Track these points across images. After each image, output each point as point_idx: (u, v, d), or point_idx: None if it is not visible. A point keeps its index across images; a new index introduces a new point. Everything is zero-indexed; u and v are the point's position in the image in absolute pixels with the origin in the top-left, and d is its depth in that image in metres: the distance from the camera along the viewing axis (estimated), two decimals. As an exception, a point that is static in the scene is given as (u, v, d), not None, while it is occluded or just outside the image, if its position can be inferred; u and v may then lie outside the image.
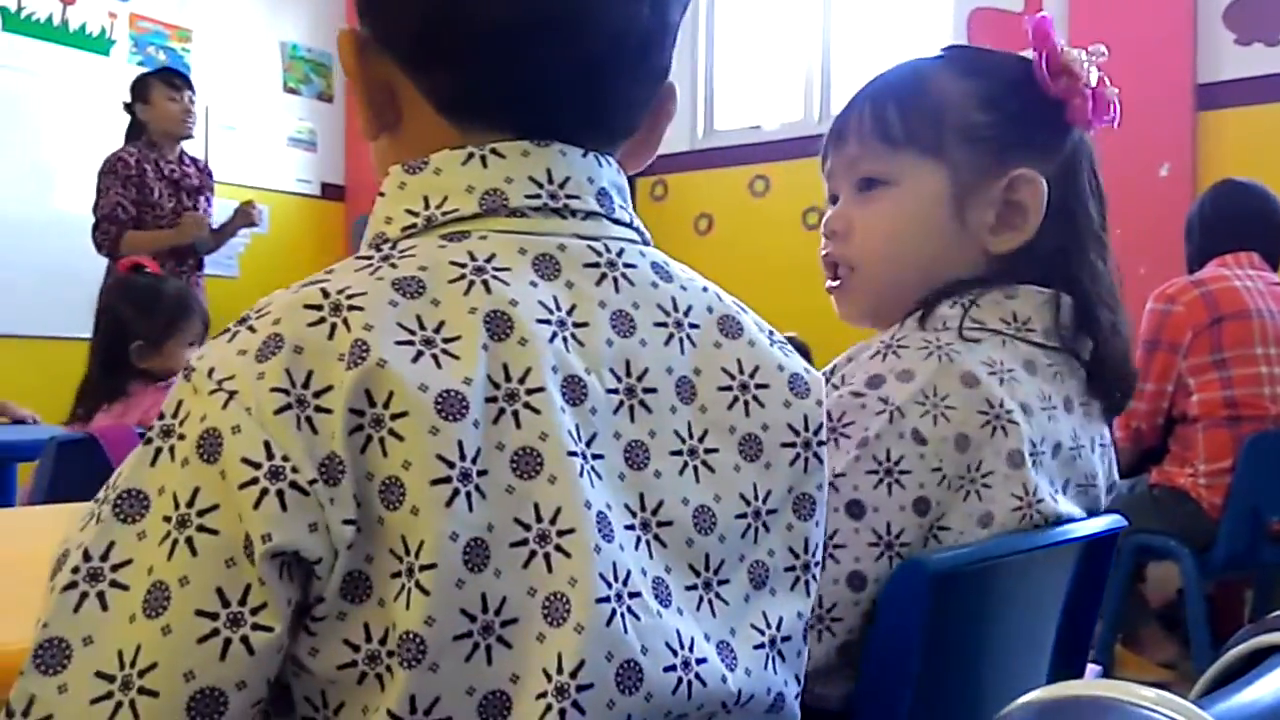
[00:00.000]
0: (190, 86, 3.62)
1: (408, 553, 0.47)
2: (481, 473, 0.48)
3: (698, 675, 0.50)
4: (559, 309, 0.52)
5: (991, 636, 0.82)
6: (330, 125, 5.70)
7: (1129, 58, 4.36)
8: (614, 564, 0.49)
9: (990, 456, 0.77)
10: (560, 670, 0.47)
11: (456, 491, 0.47)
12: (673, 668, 0.50)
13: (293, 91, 5.52)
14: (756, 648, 0.53)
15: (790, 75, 4.70)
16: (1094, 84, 0.90)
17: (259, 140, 5.33)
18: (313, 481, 0.46)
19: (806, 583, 0.57)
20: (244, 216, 3.69)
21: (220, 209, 3.81)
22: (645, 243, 0.58)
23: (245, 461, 0.46)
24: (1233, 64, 4.28)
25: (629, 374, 0.52)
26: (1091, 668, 0.99)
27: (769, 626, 0.54)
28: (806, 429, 0.57)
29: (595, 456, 0.50)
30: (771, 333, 0.60)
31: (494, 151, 0.54)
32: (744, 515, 0.54)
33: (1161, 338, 2.52)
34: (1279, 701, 0.45)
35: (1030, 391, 0.81)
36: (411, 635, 0.46)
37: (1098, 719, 0.36)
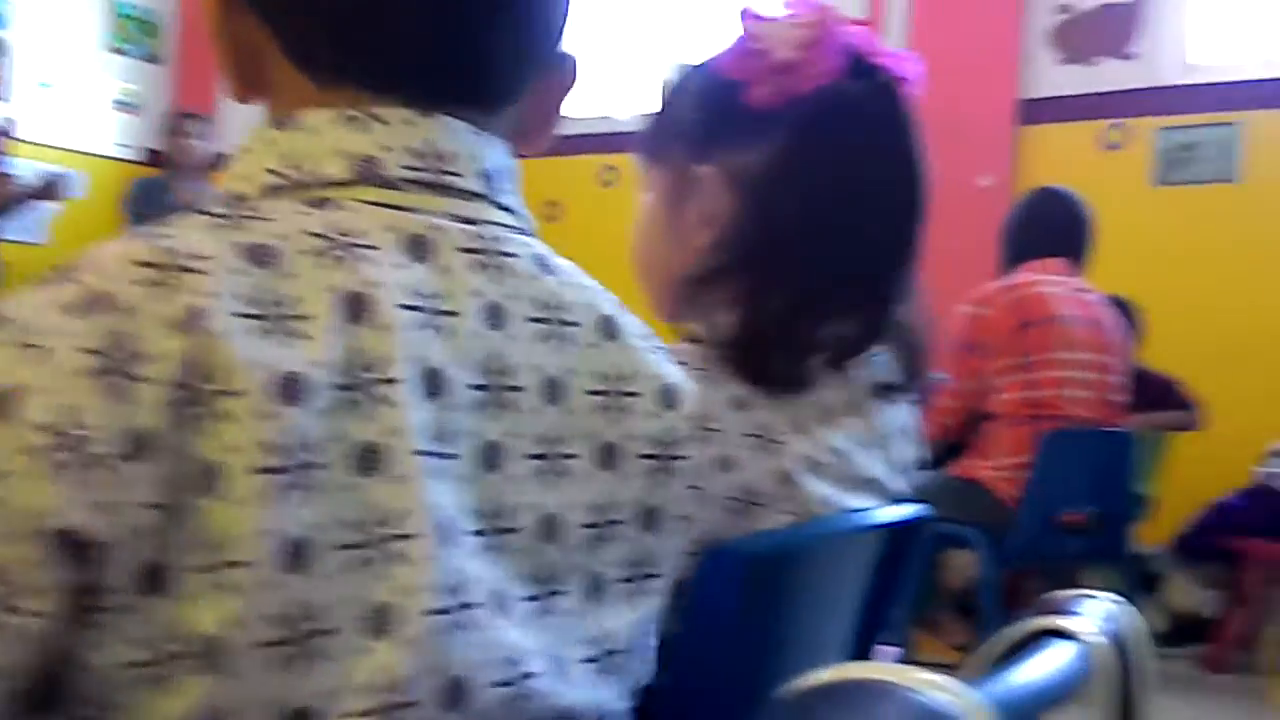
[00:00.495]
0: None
1: (219, 547, 0.42)
2: (317, 466, 0.44)
3: (528, 690, 0.48)
4: (426, 295, 0.48)
5: (801, 624, 0.83)
6: (157, 89, 5.37)
7: (957, 71, 4.58)
8: (453, 572, 0.46)
9: (758, 477, 0.77)
10: (381, 686, 0.44)
11: (285, 484, 0.43)
12: (504, 683, 0.47)
13: (118, 52, 5.20)
14: (586, 661, 0.52)
15: (643, 66, 4.71)
16: (794, 58, 0.82)
17: (78, 101, 5.02)
18: (115, 456, 0.41)
19: (645, 596, 0.55)
20: (49, 190, 3.50)
21: (30, 170, 3.58)
22: (528, 232, 0.55)
23: (40, 427, 0.41)
24: (1052, 82, 4.55)
25: (495, 370, 0.49)
26: (889, 650, 1.02)
27: (601, 640, 0.52)
28: (669, 442, 0.55)
29: (447, 456, 0.47)
30: (650, 337, 0.57)
31: (375, 116, 0.50)
32: (590, 525, 0.52)
33: (973, 339, 2.65)
34: (1045, 681, 0.47)
35: (796, 404, 0.80)
36: (211, 639, 0.42)
37: (870, 701, 0.37)
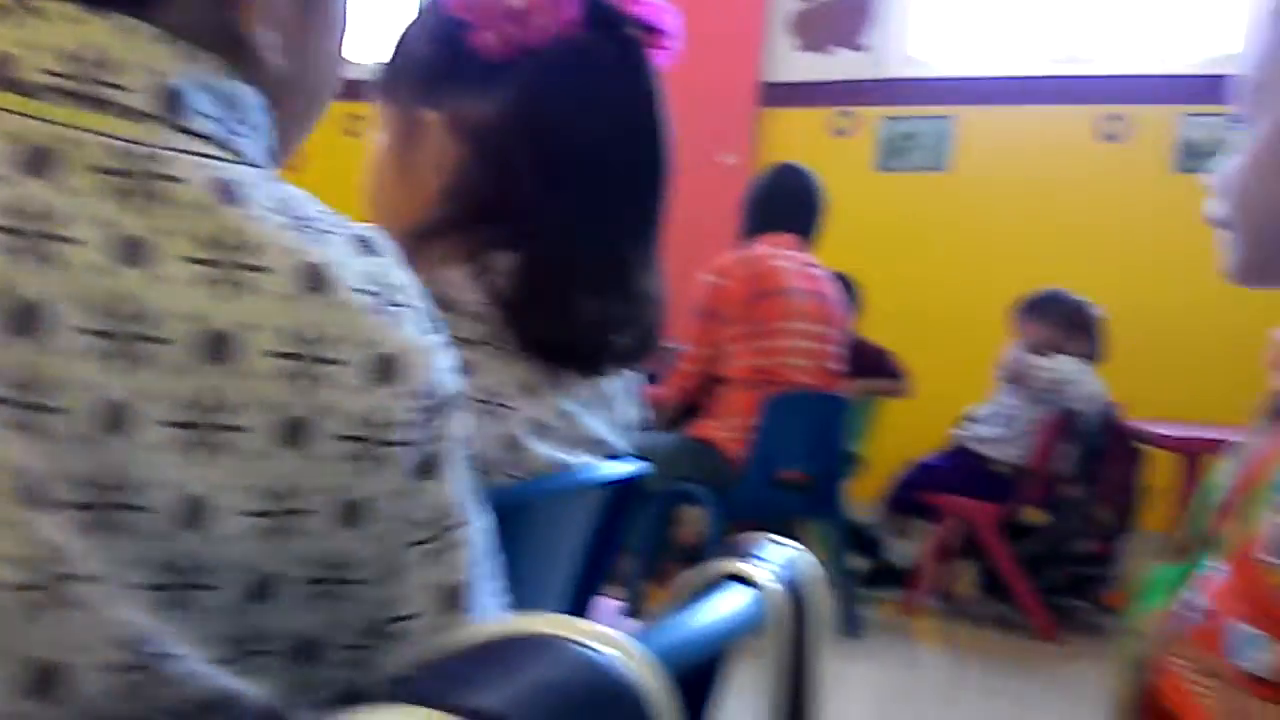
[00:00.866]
0: None
1: None
2: None
3: (155, 675, 0.41)
4: (30, 215, 0.40)
5: (522, 581, 0.84)
6: None
7: (704, 51, 4.73)
8: (42, 544, 0.39)
9: (485, 444, 0.75)
10: None
11: None
12: (121, 667, 0.41)
13: None
14: (229, 660, 0.44)
15: (388, 15, 4.54)
16: (523, 6, 0.78)
17: None
18: None
19: (338, 600, 0.46)
20: None
21: None
22: (236, 163, 0.46)
23: None
24: (792, 67, 4.79)
25: (126, 316, 0.41)
26: (612, 604, 1.04)
27: (257, 639, 0.45)
28: (381, 424, 0.45)
29: (41, 409, 0.39)
30: (384, 295, 0.46)
31: (32, 9, 0.43)
32: (260, 514, 0.43)
33: (711, 307, 2.77)
34: (709, 626, 0.48)
35: (526, 367, 0.78)
36: None
37: (532, 655, 0.36)
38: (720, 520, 2.65)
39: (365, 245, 0.47)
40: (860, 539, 3.52)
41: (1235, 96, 0.69)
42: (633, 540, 2.86)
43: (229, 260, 0.43)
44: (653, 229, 0.88)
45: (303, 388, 0.44)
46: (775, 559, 0.55)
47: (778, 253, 2.85)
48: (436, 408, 0.47)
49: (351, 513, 0.45)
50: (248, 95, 0.48)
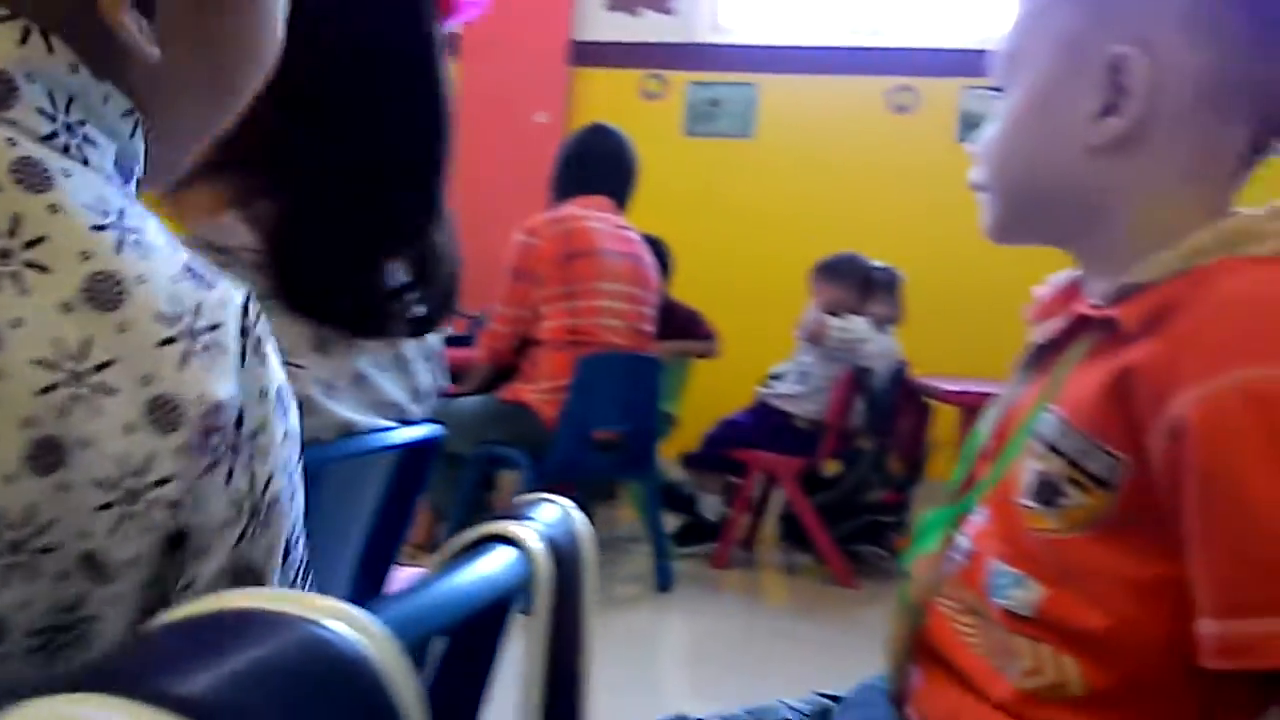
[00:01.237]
0: None
1: None
2: None
3: None
4: None
5: (315, 549, 0.81)
6: None
7: (518, 12, 4.68)
8: None
9: None
10: None
11: None
12: None
13: None
14: None
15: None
16: None
17: None
18: None
19: (32, 571, 0.37)
20: None
21: None
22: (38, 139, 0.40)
23: None
24: (602, 27, 4.78)
25: None
26: (411, 570, 1.01)
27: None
28: (140, 471, 0.38)
29: None
30: (186, 327, 0.39)
31: None
32: None
33: (523, 267, 2.75)
34: (464, 589, 0.45)
35: (314, 327, 0.76)
36: None
37: (256, 632, 0.32)
38: (535, 483, 2.65)
39: (193, 274, 0.41)
40: (673, 496, 3.61)
41: (993, 68, 0.73)
42: (448, 506, 2.83)
43: (13, 249, 0.37)
44: (437, 184, 0.84)
45: (60, 408, 0.36)
46: (544, 518, 0.53)
47: (590, 214, 2.86)
48: (212, 466, 0.39)
49: (92, 564, 0.38)
50: (99, 94, 0.43)
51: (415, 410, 0.88)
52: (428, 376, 0.91)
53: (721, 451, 3.32)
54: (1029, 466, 0.66)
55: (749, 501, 3.33)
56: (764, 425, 3.35)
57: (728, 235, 4.68)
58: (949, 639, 0.71)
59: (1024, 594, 0.65)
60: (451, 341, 3.92)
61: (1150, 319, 0.61)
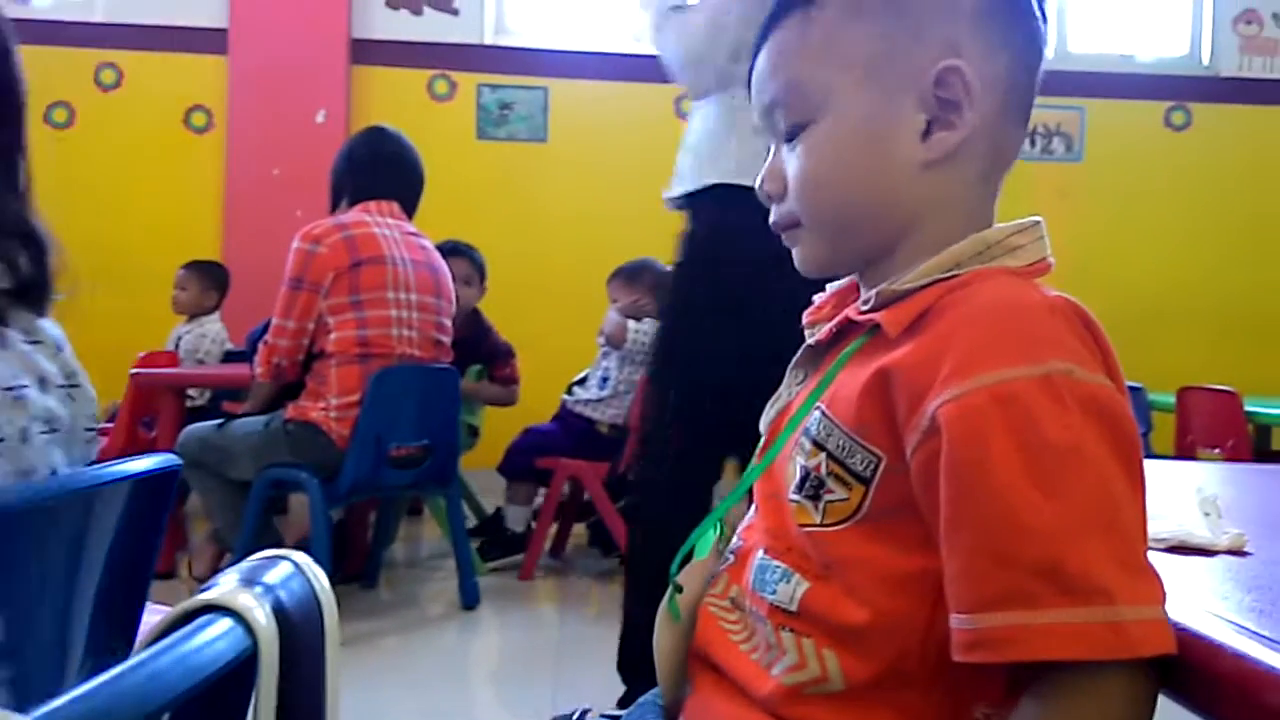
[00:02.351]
0: None
1: None
2: None
3: None
4: None
5: (42, 586, 0.70)
6: None
7: (293, 8, 4.45)
8: None
9: None
10: None
11: None
12: None
13: None
14: None
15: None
16: None
17: None
18: None
19: None
20: None
21: None
22: None
23: None
24: (383, 25, 4.61)
25: None
26: (157, 608, 0.91)
27: None
28: None
29: None
30: None
31: None
32: None
33: (306, 277, 2.58)
34: (146, 683, 0.38)
35: None
36: None
37: None
38: (324, 506, 2.49)
39: None
40: (478, 509, 3.51)
41: (778, 105, 0.71)
42: (232, 537, 2.62)
43: None
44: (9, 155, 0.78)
45: None
46: (273, 579, 0.48)
47: (377, 219, 2.72)
48: None
49: None
50: None
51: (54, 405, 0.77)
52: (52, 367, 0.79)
53: (528, 461, 3.25)
54: (796, 462, 0.66)
55: (556, 510, 3.26)
56: (568, 432, 3.30)
57: (526, 240, 4.61)
58: (717, 639, 0.71)
59: (789, 588, 0.66)
60: (229, 357, 3.69)
61: (911, 323, 0.62)
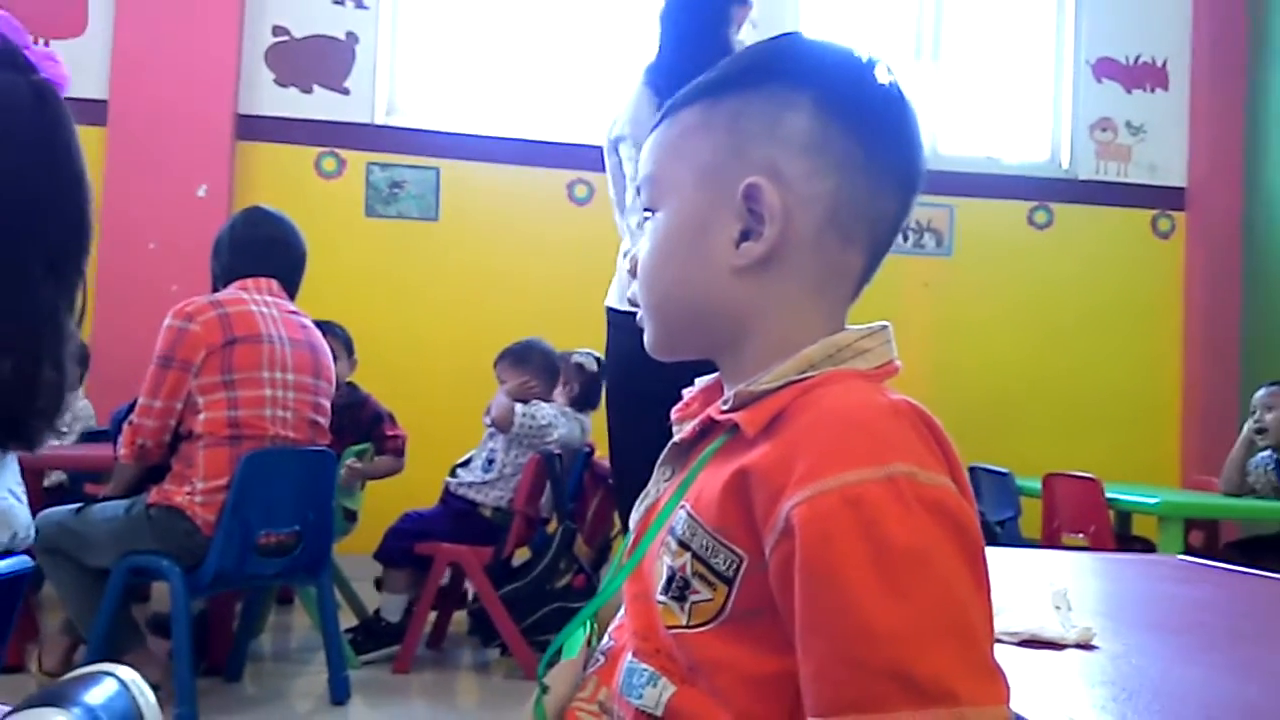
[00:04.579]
0: None
1: None
2: None
3: None
4: None
5: None
6: None
7: (177, 82, 4.38)
8: None
9: None
10: None
11: None
12: None
13: None
14: None
15: None
16: None
17: None
18: None
19: None
20: None
21: None
22: None
23: None
24: (271, 102, 4.57)
25: None
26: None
27: None
28: None
29: None
30: None
31: None
32: None
33: (176, 355, 2.49)
34: None
35: None
36: None
37: None
38: (185, 596, 2.37)
39: None
40: (356, 604, 3.38)
41: (642, 189, 0.76)
42: (88, 628, 2.47)
43: None
44: (77, 274, 0.81)
45: None
46: (95, 700, 0.46)
47: (255, 297, 2.66)
48: None
49: None
50: None
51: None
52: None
53: (406, 547, 3.15)
54: (663, 562, 0.66)
55: (435, 597, 3.17)
56: (450, 516, 3.23)
57: (412, 320, 4.56)
58: None
59: (656, 692, 0.65)
60: (90, 437, 3.54)
61: (767, 424, 0.64)
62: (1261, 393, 3.63)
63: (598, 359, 3.49)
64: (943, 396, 4.67)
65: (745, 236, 0.69)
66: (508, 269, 4.65)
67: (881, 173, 0.70)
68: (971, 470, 4.00)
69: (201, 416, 2.49)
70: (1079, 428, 4.83)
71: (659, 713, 0.65)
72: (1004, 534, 3.45)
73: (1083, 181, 5.03)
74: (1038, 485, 3.63)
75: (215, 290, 2.72)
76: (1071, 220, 5.00)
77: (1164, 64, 5.07)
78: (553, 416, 3.29)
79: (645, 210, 0.75)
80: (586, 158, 4.69)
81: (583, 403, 3.53)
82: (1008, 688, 0.57)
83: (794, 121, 0.69)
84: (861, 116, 0.70)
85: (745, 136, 0.70)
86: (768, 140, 0.69)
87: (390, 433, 3.43)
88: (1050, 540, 3.49)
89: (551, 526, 3.25)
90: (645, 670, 0.67)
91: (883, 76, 0.72)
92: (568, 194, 4.72)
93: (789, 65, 0.71)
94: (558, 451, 3.22)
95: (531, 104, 4.81)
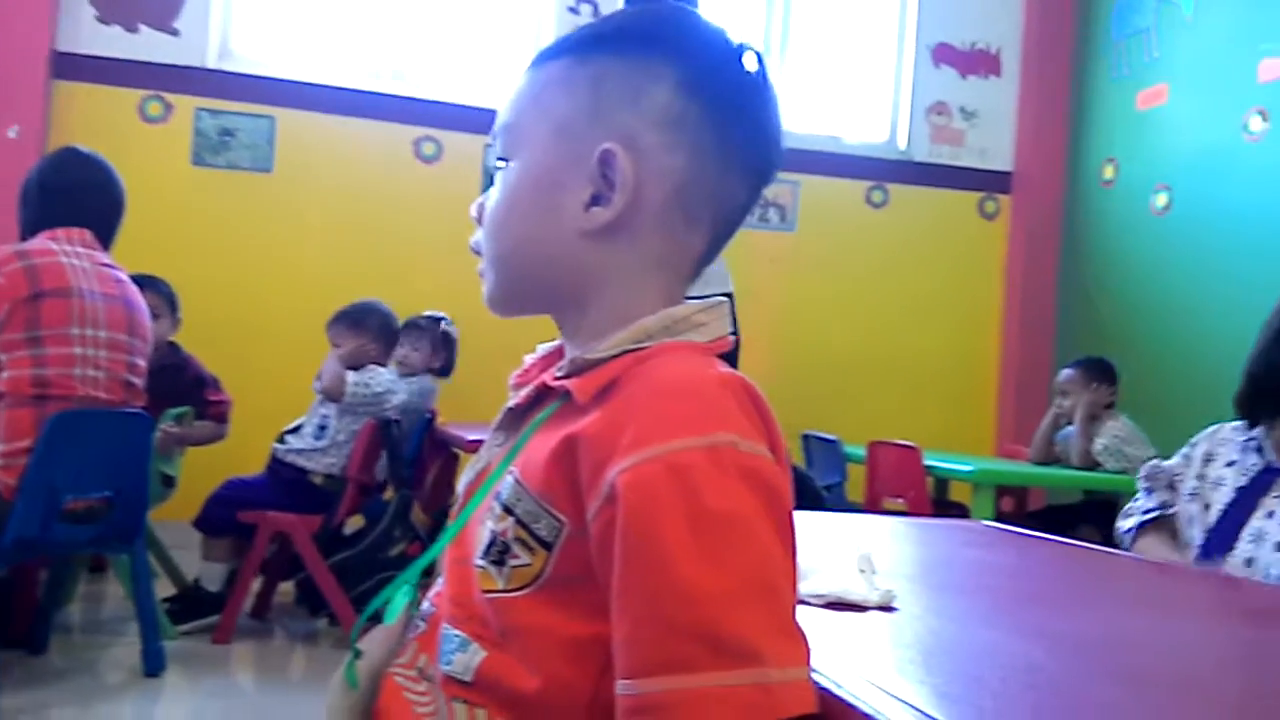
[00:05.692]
0: None
1: None
2: None
3: None
4: None
5: None
6: None
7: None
8: None
9: None
10: None
11: None
12: None
13: None
14: None
15: None
16: None
17: None
18: None
19: None
20: None
21: None
22: None
23: None
24: (91, 40, 4.26)
25: None
26: None
27: None
28: None
29: None
30: None
31: None
32: None
33: (-25, 308, 2.31)
34: None
35: None
36: None
37: None
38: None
39: None
40: (169, 567, 3.23)
41: (497, 137, 0.75)
42: None
43: None
44: None
45: None
46: None
47: (65, 248, 2.48)
48: None
49: None
50: None
51: None
52: None
53: (229, 514, 3.02)
54: (486, 527, 0.66)
55: (259, 567, 3.06)
56: (278, 483, 3.12)
57: (242, 277, 4.35)
58: (399, 712, 0.70)
59: (466, 658, 0.65)
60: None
61: (599, 392, 0.65)
62: (1061, 375, 3.84)
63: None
64: (784, 367, 4.82)
65: (596, 201, 0.69)
66: (347, 227, 4.49)
67: (733, 159, 0.71)
68: (805, 438, 4.14)
69: (4, 375, 2.32)
70: (906, 398, 5.04)
71: (468, 678, 0.65)
72: (831, 497, 3.59)
73: (918, 163, 5.22)
74: (862, 452, 3.78)
75: (23, 240, 2.52)
76: (906, 200, 5.19)
77: (998, 52, 5.29)
78: (390, 382, 3.21)
79: (499, 159, 0.74)
80: (436, 114, 4.57)
81: (444, 371, 3.48)
82: (809, 649, 0.59)
83: (656, 95, 0.69)
84: (722, 101, 0.70)
85: (606, 101, 0.70)
86: (628, 109, 0.69)
87: (213, 398, 3.28)
88: (872, 504, 3.64)
89: (389, 494, 3.18)
90: (457, 636, 0.66)
91: (750, 64, 0.72)
92: (414, 151, 4.59)
93: (660, 38, 0.71)
94: (396, 417, 3.14)
95: (378, 54, 4.64)
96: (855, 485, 3.94)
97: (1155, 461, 1.70)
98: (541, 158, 0.71)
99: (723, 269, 2.79)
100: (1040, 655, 0.77)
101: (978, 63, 5.28)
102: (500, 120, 0.75)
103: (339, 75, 4.55)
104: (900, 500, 3.54)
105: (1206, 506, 1.53)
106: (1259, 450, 1.50)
